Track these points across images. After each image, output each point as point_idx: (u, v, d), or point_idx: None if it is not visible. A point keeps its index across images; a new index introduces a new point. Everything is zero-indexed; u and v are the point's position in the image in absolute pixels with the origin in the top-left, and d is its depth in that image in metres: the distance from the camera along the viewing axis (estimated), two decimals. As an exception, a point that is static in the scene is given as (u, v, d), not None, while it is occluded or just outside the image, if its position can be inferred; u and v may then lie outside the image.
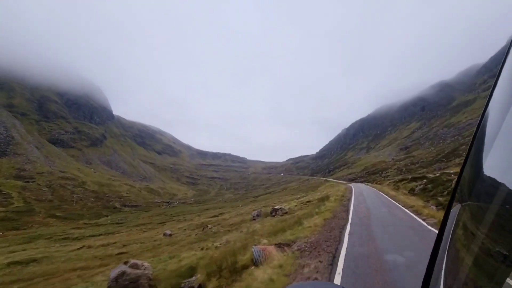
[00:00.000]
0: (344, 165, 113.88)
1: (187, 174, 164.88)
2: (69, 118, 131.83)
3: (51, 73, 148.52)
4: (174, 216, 44.77)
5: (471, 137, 0.71)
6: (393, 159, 75.66)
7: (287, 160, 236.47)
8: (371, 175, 59.96)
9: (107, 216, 57.89)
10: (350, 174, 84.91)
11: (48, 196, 63.96)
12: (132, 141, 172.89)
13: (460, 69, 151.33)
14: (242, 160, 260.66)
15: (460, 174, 0.80)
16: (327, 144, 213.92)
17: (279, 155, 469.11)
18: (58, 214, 48.78)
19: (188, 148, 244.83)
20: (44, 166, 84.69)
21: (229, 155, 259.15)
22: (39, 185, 71.14)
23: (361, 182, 52.08)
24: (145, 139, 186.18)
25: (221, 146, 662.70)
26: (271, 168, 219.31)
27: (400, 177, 33.71)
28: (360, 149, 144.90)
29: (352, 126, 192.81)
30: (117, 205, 70.90)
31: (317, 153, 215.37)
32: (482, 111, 0.70)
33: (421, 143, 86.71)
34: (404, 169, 50.16)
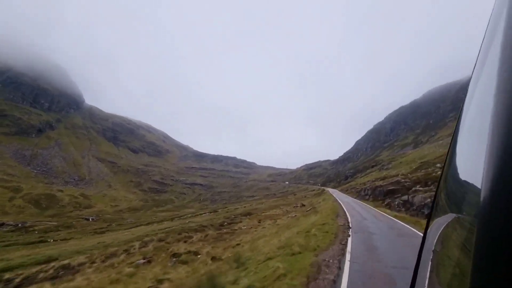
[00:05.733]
0: (373, 166, 64.19)
1: (158, 178, 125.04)
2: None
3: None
4: None
5: None
6: None
7: (300, 166, 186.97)
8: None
9: None
10: (383, 179, 36.39)
11: None
12: (100, 135, 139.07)
13: None
14: (249, 165, 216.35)
15: (438, 186, 0.76)
16: (353, 146, 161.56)
17: (300, 161, 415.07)
18: None
19: (184, 148, 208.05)
20: None
21: (234, 158, 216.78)
22: None
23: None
24: (119, 134, 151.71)
25: (236, 150, 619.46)
26: (278, 175, 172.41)
27: None
28: (403, 146, 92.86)
29: (388, 118, 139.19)
30: None
31: (340, 156, 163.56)
32: (458, 117, 0.66)
33: None
34: None
